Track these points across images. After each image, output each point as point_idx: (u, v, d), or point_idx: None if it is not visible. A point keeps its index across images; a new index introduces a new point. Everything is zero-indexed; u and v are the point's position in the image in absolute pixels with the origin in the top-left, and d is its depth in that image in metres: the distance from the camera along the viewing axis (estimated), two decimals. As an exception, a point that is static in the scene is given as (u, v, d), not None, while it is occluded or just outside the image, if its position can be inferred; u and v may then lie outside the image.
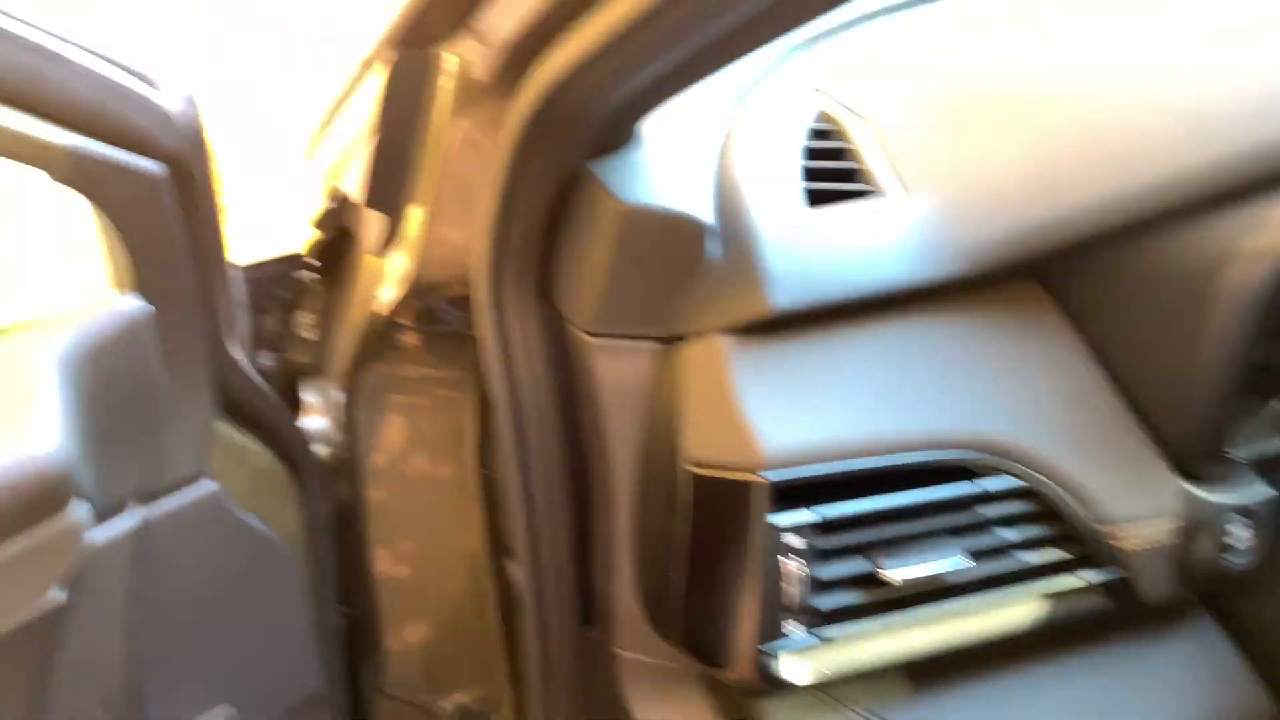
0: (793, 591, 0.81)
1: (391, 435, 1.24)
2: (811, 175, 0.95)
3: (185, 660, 1.00)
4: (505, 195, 0.90)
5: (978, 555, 0.87)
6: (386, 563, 1.31)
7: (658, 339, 0.91)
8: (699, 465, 0.84)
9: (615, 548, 0.97)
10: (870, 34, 1.14)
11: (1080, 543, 0.90)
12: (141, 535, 0.91)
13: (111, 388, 0.83)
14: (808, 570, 0.81)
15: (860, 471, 0.82)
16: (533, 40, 0.84)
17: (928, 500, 0.85)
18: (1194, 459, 0.92)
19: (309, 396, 1.27)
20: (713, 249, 0.88)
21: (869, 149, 0.97)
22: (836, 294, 0.85)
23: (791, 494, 0.81)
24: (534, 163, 0.87)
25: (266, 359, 1.16)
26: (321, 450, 1.22)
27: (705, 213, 0.88)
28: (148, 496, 0.91)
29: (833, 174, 0.95)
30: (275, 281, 1.13)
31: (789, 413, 0.83)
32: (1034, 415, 0.89)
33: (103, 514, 0.87)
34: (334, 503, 1.26)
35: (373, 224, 1.03)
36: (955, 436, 0.86)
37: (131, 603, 0.89)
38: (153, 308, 0.86)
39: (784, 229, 0.88)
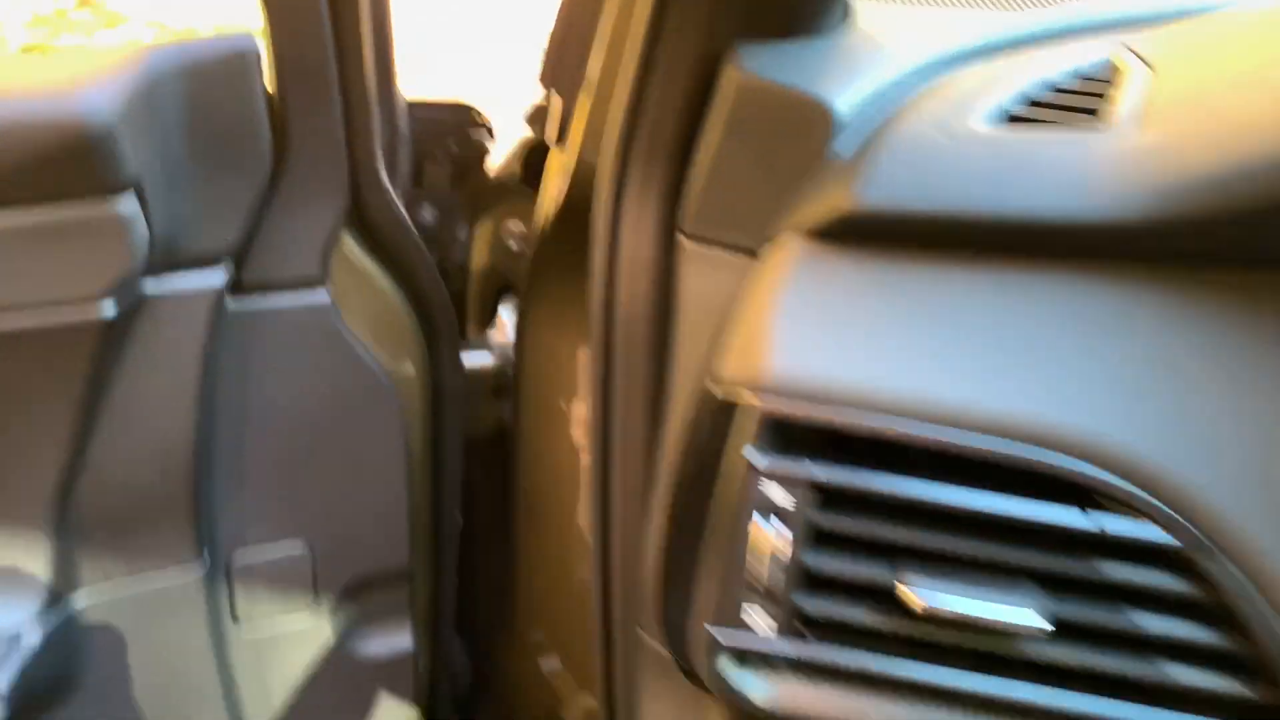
0: (760, 566, 0.62)
1: (545, 362, 1.17)
2: (1030, 102, 0.74)
3: (263, 475, 1.00)
4: (641, 72, 0.79)
5: (1069, 627, 0.61)
6: (525, 494, 1.24)
7: (753, 252, 0.76)
8: (714, 383, 0.68)
9: (657, 500, 0.83)
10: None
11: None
12: (235, 318, 0.92)
13: (202, 119, 0.84)
14: (791, 545, 0.61)
15: (908, 439, 0.60)
16: None
17: (1002, 513, 0.59)
18: None
19: (505, 312, 1.24)
20: (841, 146, 0.71)
21: (1131, 89, 0.73)
22: (955, 207, 0.64)
23: (803, 442, 0.62)
24: (674, 33, 0.76)
25: (428, 213, 1.15)
26: (488, 363, 1.18)
27: (846, 104, 0.73)
28: (253, 285, 0.93)
29: (1060, 107, 0.73)
30: (445, 129, 1.12)
31: (837, 338, 0.63)
32: (1235, 460, 0.59)
33: (179, 254, 0.87)
34: (493, 423, 1.22)
35: (553, 108, 0.98)
36: (1079, 439, 0.59)
37: (208, 377, 0.90)
38: (258, 44, 0.84)
39: (936, 134, 0.69)
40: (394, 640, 1.11)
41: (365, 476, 1.04)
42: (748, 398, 0.62)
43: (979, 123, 0.71)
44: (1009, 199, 0.63)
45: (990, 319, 0.63)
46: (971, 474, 0.61)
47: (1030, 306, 0.63)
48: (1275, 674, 0.58)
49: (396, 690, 1.11)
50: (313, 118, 0.88)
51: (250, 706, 1.05)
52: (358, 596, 1.08)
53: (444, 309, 1.05)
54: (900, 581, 0.60)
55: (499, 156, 1.13)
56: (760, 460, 0.62)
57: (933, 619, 0.60)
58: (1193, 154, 0.61)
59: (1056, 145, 0.67)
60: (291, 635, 1.05)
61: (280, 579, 1.04)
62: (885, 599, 0.61)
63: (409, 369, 1.05)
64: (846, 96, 0.73)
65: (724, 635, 0.63)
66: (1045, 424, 0.59)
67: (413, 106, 1.08)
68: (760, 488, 0.61)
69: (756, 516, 0.62)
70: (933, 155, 0.67)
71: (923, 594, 0.59)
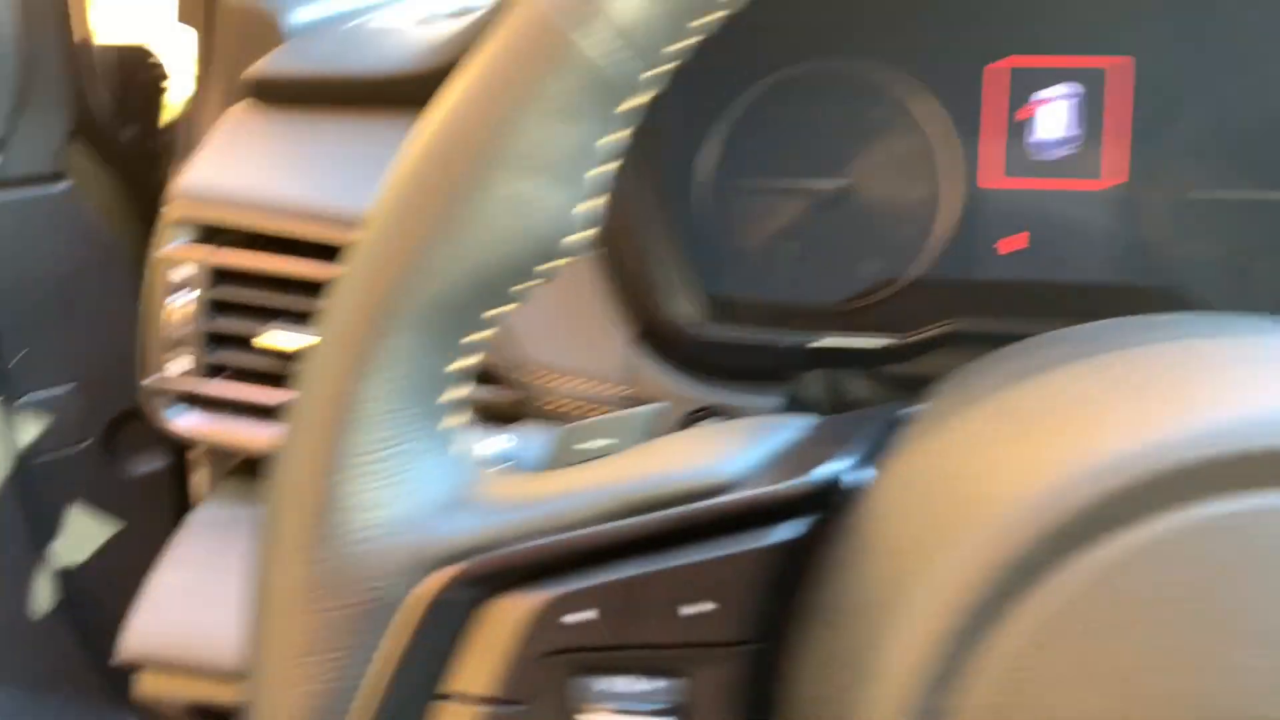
0: (169, 330, 0.82)
1: None
2: (449, 15, 0.91)
3: (39, 330, 1.31)
4: None
5: None
6: None
7: None
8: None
9: None
10: None
11: None
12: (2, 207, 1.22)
13: None
14: (192, 311, 0.82)
15: (261, 228, 0.79)
16: None
17: (320, 276, 0.78)
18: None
19: None
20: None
21: None
22: (314, 70, 0.84)
23: (212, 237, 0.81)
24: None
25: (129, 129, 1.44)
26: None
27: (301, 19, 0.93)
28: (10, 181, 1.22)
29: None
30: (132, 65, 1.41)
31: (234, 164, 0.82)
32: None
33: None
34: None
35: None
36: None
37: None
38: None
39: (339, 28, 0.90)
40: (153, 461, 1.41)
41: (116, 329, 1.34)
42: (169, 205, 0.92)
43: (392, 23, 0.98)
44: (349, 62, 0.85)
45: (336, 147, 0.83)
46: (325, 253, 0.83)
47: (361, 136, 0.87)
48: None
49: (159, 502, 1.42)
50: (44, 53, 1.16)
51: (44, 527, 1.36)
52: (122, 428, 1.39)
53: (156, 197, 1.35)
54: (251, 333, 0.81)
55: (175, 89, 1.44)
56: (173, 253, 0.85)
57: (275, 354, 0.81)
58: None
59: (402, 29, 0.94)
60: (72, 463, 1.37)
61: (60, 416, 1.35)
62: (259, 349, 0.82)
63: (139, 242, 1.35)
64: (304, 14, 1.01)
65: (154, 382, 0.86)
66: (353, 212, 0.80)
67: (104, 49, 1.39)
68: (169, 271, 0.84)
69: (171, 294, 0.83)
70: (319, 39, 0.95)
71: (264, 338, 0.80)
